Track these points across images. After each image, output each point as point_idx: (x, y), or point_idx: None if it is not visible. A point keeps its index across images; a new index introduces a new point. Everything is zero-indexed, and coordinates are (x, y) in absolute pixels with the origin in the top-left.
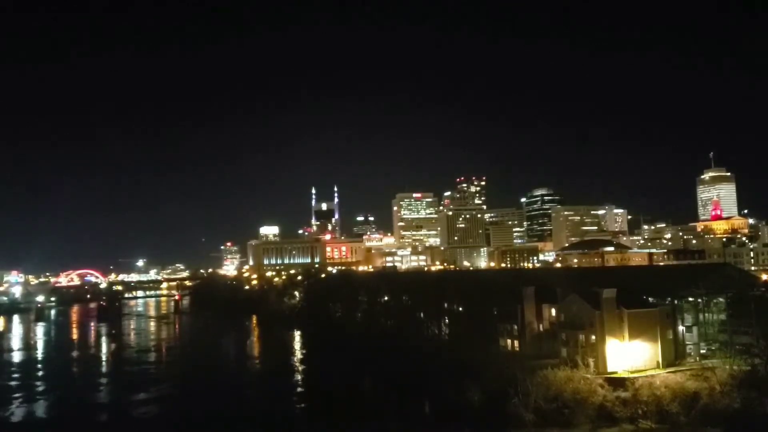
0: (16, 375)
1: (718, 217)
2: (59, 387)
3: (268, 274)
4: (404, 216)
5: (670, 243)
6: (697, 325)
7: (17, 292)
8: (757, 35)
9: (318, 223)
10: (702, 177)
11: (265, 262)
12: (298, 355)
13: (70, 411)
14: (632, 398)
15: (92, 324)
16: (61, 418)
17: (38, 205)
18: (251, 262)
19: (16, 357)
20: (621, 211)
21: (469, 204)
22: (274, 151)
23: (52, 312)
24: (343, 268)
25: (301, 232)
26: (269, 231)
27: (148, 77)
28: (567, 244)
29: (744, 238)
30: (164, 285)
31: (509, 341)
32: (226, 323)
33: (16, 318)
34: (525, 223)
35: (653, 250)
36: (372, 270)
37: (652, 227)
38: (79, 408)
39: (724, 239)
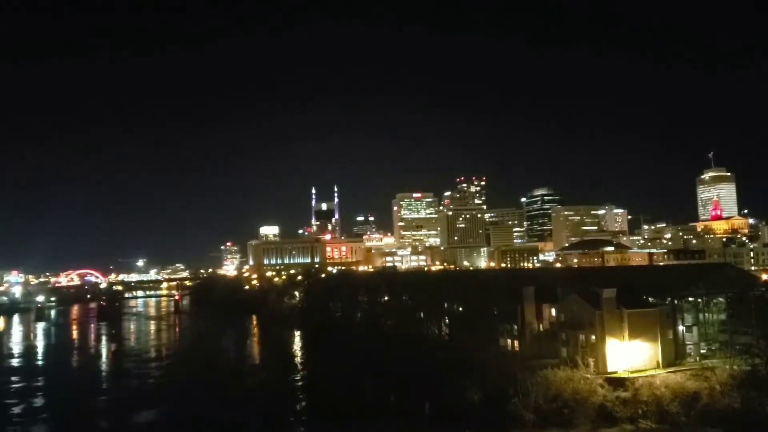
0: (13, 385)
1: (718, 217)
2: (58, 399)
3: (268, 274)
4: (404, 216)
5: (670, 243)
6: (697, 325)
7: (17, 292)
8: (757, 35)
9: (318, 223)
10: (702, 177)
11: (265, 262)
12: (298, 355)
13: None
14: (632, 398)
15: (92, 324)
16: None
17: (38, 205)
18: (251, 262)
19: (15, 361)
20: (621, 211)
21: (469, 204)
22: (274, 151)
23: (52, 312)
24: (343, 268)
25: (301, 232)
26: (269, 231)
27: (148, 77)
28: (567, 244)
29: (744, 238)
30: (164, 285)
31: (509, 341)
32: (226, 323)
33: (16, 318)
34: (525, 223)
35: (653, 250)
36: (372, 270)
37: (652, 227)
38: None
39: (724, 239)
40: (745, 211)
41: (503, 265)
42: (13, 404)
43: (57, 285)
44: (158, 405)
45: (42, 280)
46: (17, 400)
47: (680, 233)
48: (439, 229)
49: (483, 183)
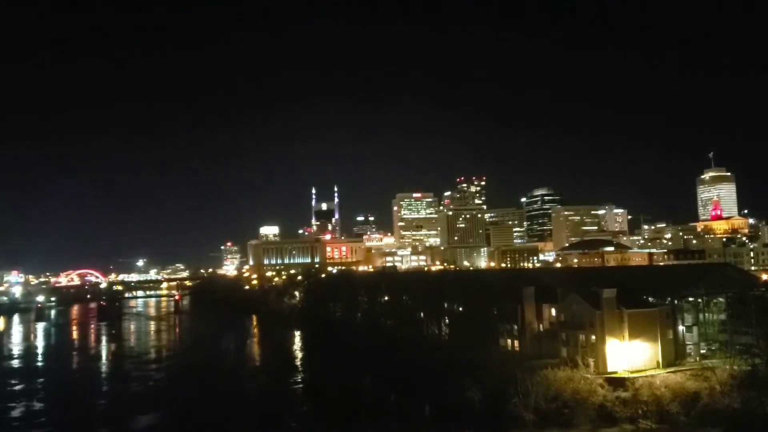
0: (13, 387)
1: (718, 217)
2: (58, 402)
3: (268, 274)
4: (404, 216)
5: (670, 243)
6: (697, 325)
7: (17, 292)
8: (756, 35)
9: (318, 223)
10: (702, 177)
11: (265, 262)
12: (299, 355)
13: None
14: (632, 398)
15: (92, 324)
16: None
17: (38, 205)
18: (251, 262)
19: (15, 362)
20: (621, 211)
21: (469, 204)
22: (274, 151)
23: (52, 312)
24: (343, 268)
25: (301, 232)
26: (269, 231)
27: (148, 77)
28: (567, 244)
29: (744, 238)
30: (164, 285)
31: (509, 341)
32: (226, 323)
33: (16, 318)
34: (525, 223)
35: (653, 250)
36: (372, 270)
37: (652, 227)
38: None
39: (724, 239)
40: (745, 211)
41: (503, 265)
42: (12, 407)
43: (57, 285)
44: (158, 407)
45: (42, 280)
46: (17, 403)
47: (680, 233)
48: (439, 229)
49: (483, 183)
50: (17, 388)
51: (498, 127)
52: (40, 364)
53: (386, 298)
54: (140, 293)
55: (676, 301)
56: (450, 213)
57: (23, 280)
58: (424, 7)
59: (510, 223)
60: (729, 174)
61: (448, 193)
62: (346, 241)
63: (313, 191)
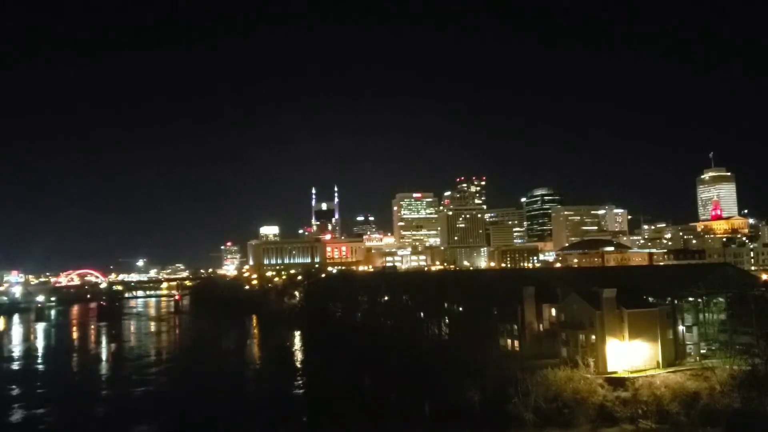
0: (13, 391)
1: (718, 217)
2: (58, 406)
3: (268, 274)
4: (404, 216)
5: (670, 243)
6: (697, 325)
7: (17, 292)
8: (756, 35)
9: (318, 223)
10: (702, 177)
11: (265, 262)
12: (299, 355)
13: None
14: (632, 398)
15: (92, 324)
16: None
17: (38, 205)
18: (251, 262)
19: (15, 364)
20: (621, 211)
21: (469, 204)
22: (274, 151)
23: (52, 312)
24: (343, 268)
25: (301, 232)
26: (269, 231)
27: (148, 77)
28: (567, 244)
29: (744, 238)
30: (164, 285)
31: (509, 341)
32: (226, 323)
33: (16, 318)
34: (525, 223)
35: (653, 250)
36: (372, 270)
37: (652, 227)
38: None
39: (724, 239)
40: (745, 211)
41: (503, 265)
42: (12, 410)
43: (57, 285)
44: (159, 410)
45: (42, 280)
46: (17, 406)
47: (680, 233)
48: (439, 229)
49: (483, 183)
50: (16, 391)
51: (498, 127)
52: (39, 365)
53: (386, 298)
54: (140, 293)
55: (676, 301)
56: (450, 213)
57: (23, 280)
58: (424, 7)
59: (510, 223)
60: (729, 174)
61: (448, 193)
62: (346, 241)
63: (313, 191)
